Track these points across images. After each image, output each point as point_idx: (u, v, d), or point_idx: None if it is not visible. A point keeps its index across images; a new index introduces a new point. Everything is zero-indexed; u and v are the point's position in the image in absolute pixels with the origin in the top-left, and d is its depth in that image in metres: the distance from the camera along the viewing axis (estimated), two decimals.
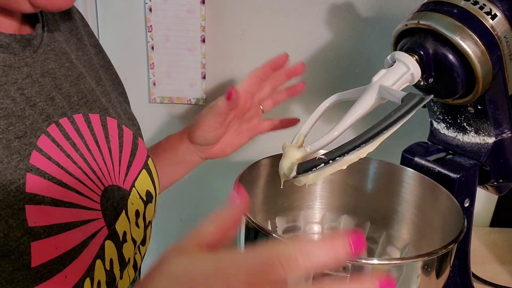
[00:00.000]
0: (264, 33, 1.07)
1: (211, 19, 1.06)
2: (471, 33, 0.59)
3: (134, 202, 0.62)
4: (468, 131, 0.72)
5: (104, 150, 0.60)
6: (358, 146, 0.50)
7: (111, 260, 0.56)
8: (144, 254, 0.69)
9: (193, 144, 0.81)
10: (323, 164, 0.50)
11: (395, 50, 0.68)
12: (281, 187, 0.60)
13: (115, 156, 0.62)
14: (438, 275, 0.52)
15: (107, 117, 0.63)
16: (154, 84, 1.09)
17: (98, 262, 0.54)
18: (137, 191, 0.64)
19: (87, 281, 0.51)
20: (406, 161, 0.74)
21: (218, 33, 1.07)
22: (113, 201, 0.58)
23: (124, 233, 0.60)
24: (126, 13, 1.05)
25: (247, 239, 0.56)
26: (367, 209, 0.74)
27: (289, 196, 0.74)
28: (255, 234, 0.54)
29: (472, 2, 0.60)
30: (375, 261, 0.49)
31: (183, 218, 1.27)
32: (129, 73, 1.10)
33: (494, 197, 1.17)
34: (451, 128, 0.74)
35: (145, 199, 0.66)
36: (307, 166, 0.52)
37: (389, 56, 0.62)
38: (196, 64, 1.07)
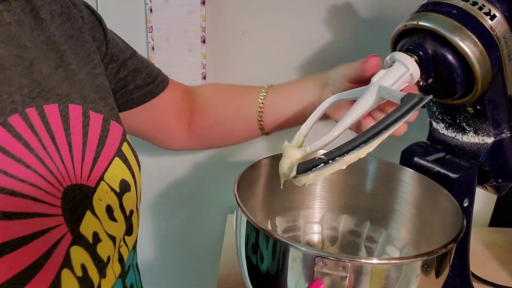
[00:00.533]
0: (264, 34, 1.07)
1: (211, 20, 1.06)
2: (470, 33, 0.59)
3: (102, 198, 0.57)
4: (467, 131, 0.72)
5: (62, 146, 0.54)
6: (358, 146, 0.50)
7: (82, 266, 0.52)
8: (134, 244, 0.66)
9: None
10: (322, 164, 0.50)
11: (394, 50, 0.68)
12: (281, 187, 0.60)
13: (77, 150, 0.56)
14: (437, 275, 0.52)
15: (68, 104, 0.57)
16: None
17: (65, 271, 0.49)
18: (108, 184, 0.59)
19: None
20: (406, 161, 0.74)
21: (219, 33, 1.07)
22: (74, 203, 0.53)
23: (95, 234, 0.55)
24: (126, 14, 1.05)
25: (248, 239, 0.56)
26: (367, 209, 0.74)
27: (288, 196, 0.74)
28: (256, 234, 0.54)
29: (471, 2, 0.61)
30: (374, 260, 0.49)
31: (183, 218, 1.27)
32: None
33: (493, 197, 1.17)
34: (450, 128, 0.74)
35: (118, 190, 0.60)
36: (307, 166, 0.52)
37: (388, 56, 0.63)
38: (196, 64, 1.08)
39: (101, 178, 0.58)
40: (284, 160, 0.57)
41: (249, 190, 0.67)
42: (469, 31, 0.59)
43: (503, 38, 0.60)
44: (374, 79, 0.60)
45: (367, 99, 0.58)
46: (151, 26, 1.04)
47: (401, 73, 0.60)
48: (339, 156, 0.50)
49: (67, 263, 0.50)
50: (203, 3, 1.03)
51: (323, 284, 0.48)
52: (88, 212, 0.55)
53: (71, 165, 0.54)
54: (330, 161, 0.50)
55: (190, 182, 1.21)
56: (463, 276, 0.74)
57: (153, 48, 1.06)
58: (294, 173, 0.53)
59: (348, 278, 0.48)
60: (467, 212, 0.71)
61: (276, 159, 0.65)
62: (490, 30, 0.60)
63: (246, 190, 0.65)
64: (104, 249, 0.56)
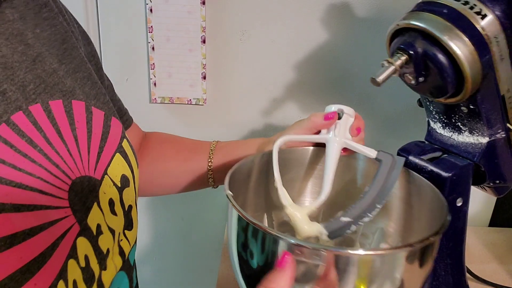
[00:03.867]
0: (264, 34, 1.08)
1: (211, 20, 1.06)
2: (460, 33, 0.59)
3: (106, 191, 0.59)
4: (463, 131, 0.72)
5: (68, 140, 0.55)
6: (377, 204, 0.60)
7: (85, 257, 0.54)
8: (135, 238, 0.68)
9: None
10: (353, 226, 0.60)
11: (389, 48, 0.68)
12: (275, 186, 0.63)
13: (83, 144, 0.57)
14: (420, 265, 0.52)
15: (72, 100, 0.58)
16: (155, 84, 1.10)
17: (71, 261, 0.51)
18: (110, 178, 0.60)
19: (61, 283, 0.49)
20: None
21: (218, 33, 1.08)
22: (82, 195, 0.54)
23: (98, 226, 0.57)
24: (126, 14, 1.06)
25: (238, 234, 0.56)
26: None
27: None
28: (253, 230, 0.54)
29: (463, 2, 0.61)
30: (350, 251, 0.49)
31: (184, 217, 1.28)
32: (130, 74, 1.11)
33: (493, 198, 1.17)
34: (447, 127, 0.75)
35: (119, 185, 0.62)
36: (339, 232, 0.60)
37: (333, 107, 0.70)
38: (196, 64, 1.08)
39: (105, 172, 0.60)
40: (299, 224, 0.63)
41: (242, 185, 0.67)
42: (459, 30, 0.59)
43: (494, 38, 0.60)
44: (331, 134, 0.68)
45: (335, 153, 0.67)
46: (151, 26, 1.05)
47: (349, 123, 0.69)
48: (364, 217, 0.60)
49: (73, 253, 0.51)
50: (203, 3, 1.03)
51: (288, 256, 0.48)
52: (95, 205, 0.57)
53: (79, 158, 0.56)
54: (359, 223, 0.60)
55: None
56: (458, 275, 0.74)
57: (153, 48, 1.07)
58: (325, 237, 0.60)
59: (321, 266, 0.48)
60: (461, 212, 0.71)
61: (268, 155, 0.68)
62: (480, 30, 0.60)
63: (240, 185, 0.65)
64: (105, 242, 0.57)
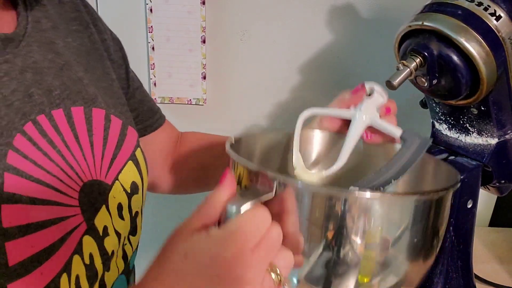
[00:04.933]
0: (264, 34, 1.07)
1: (211, 20, 1.06)
2: (476, 34, 0.59)
3: (116, 196, 0.62)
4: (471, 132, 0.72)
5: (84, 145, 0.59)
6: (389, 182, 0.57)
7: (90, 255, 0.57)
8: (137, 244, 0.70)
9: None
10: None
11: (398, 51, 0.68)
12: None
13: (98, 150, 0.61)
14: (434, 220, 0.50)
15: (92, 108, 0.62)
16: (155, 84, 1.09)
17: (76, 257, 0.54)
18: (121, 184, 0.63)
19: (64, 276, 0.52)
20: None
21: (219, 33, 1.07)
22: (92, 196, 0.58)
23: (105, 227, 0.59)
24: (126, 14, 1.05)
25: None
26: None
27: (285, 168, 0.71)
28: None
29: (477, 3, 0.60)
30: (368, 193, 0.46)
31: (183, 216, 1.27)
32: None
33: (493, 197, 1.17)
34: (453, 129, 0.74)
35: (129, 191, 0.65)
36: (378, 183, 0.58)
37: (366, 85, 0.65)
38: (196, 64, 1.07)
39: (116, 178, 0.63)
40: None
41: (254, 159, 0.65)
42: (474, 31, 0.59)
43: (509, 38, 0.60)
44: (358, 109, 0.63)
45: (358, 127, 0.63)
46: (151, 26, 1.04)
47: (380, 102, 0.63)
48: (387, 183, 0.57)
49: (79, 250, 0.55)
50: (203, 3, 1.02)
51: (228, 172, 0.47)
52: (104, 207, 0.59)
53: (92, 162, 0.59)
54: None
55: None
56: (467, 277, 0.74)
57: (153, 48, 1.06)
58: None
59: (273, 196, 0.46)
60: (471, 213, 0.71)
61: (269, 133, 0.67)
62: (495, 31, 0.60)
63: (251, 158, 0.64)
64: (111, 243, 0.60)
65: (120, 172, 0.63)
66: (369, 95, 0.64)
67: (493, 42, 0.59)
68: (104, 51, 0.71)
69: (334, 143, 0.68)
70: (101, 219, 0.59)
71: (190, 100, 1.11)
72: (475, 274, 0.95)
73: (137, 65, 1.11)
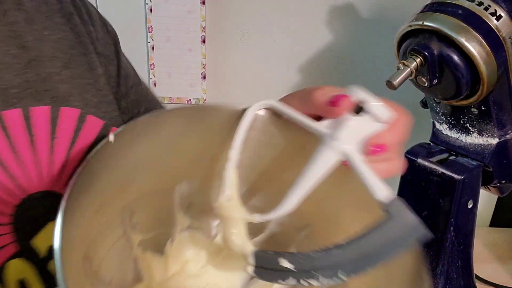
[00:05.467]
0: (264, 34, 1.07)
1: (211, 20, 1.05)
2: (476, 34, 0.59)
3: None
4: (471, 132, 0.72)
5: (40, 150, 0.51)
6: (337, 273, 0.37)
7: (21, 282, 0.49)
8: None
9: None
10: (291, 280, 0.39)
11: (398, 51, 0.68)
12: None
13: (58, 155, 0.52)
14: None
15: (61, 108, 0.54)
16: (155, 84, 1.09)
17: None
18: None
19: None
20: (409, 162, 0.74)
21: (218, 33, 1.07)
22: (36, 211, 0.49)
23: (51, 248, 0.50)
24: (126, 14, 1.05)
25: None
26: None
27: None
28: None
29: (477, 3, 0.60)
30: None
31: None
32: None
33: (493, 197, 1.17)
34: (454, 129, 0.74)
35: None
36: (268, 276, 0.42)
37: (356, 94, 0.42)
38: (196, 64, 1.07)
39: None
40: (228, 229, 0.44)
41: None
42: (474, 31, 0.59)
43: (509, 38, 0.60)
44: (332, 133, 0.41)
45: (323, 164, 0.41)
46: (151, 26, 1.04)
47: (371, 131, 0.41)
48: (313, 277, 0.38)
49: None
50: (203, 3, 1.02)
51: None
52: (50, 224, 0.51)
53: (48, 170, 0.51)
54: (302, 281, 0.38)
55: None
56: (468, 277, 0.74)
57: (153, 48, 1.06)
58: (249, 268, 0.42)
59: None
60: (471, 214, 0.71)
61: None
62: (496, 31, 0.59)
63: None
64: None
65: None
66: (357, 112, 0.41)
67: (493, 42, 0.59)
68: (90, 44, 0.62)
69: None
70: (44, 238, 0.50)
71: (190, 100, 1.10)
72: (475, 274, 0.95)
73: (137, 65, 1.10)
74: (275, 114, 0.46)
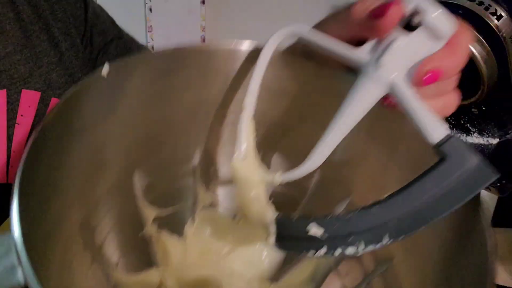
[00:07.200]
0: (264, 34, 1.07)
1: (211, 19, 1.05)
2: (477, 34, 0.59)
3: None
4: (472, 132, 0.72)
5: None
6: (381, 238, 0.30)
7: None
8: None
9: None
10: (322, 250, 0.32)
11: None
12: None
13: (18, 142, 0.48)
14: None
15: (22, 89, 0.50)
16: None
17: None
18: None
19: None
20: None
21: (218, 33, 1.07)
22: None
23: None
24: (126, 13, 1.05)
25: None
26: None
27: None
28: None
29: (478, 2, 0.60)
30: None
31: None
32: None
33: (494, 197, 1.17)
34: (454, 129, 0.74)
35: None
36: (292, 246, 0.35)
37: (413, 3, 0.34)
38: None
39: None
40: (245, 190, 0.37)
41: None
42: (475, 31, 0.59)
43: (510, 38, 0.60)
44: (374, 58, 0.33)
45: (366, 95, 0.33)
46: (151, 26, 1.04)
47: (426, 53, 0.33)
48: (349, 245, 0.31)
49: None
50: (203, 2, 1.02)
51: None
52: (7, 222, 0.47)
53: (3, 161, 0.46)
54: (334, 251, 0.31)
55: None
56: None
57: (152, 48, 1.06)
58: (271, 239, 0.36)
59: None
60: None
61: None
62: (496, 30, 0.59)
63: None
64: None
65: None
66: (409, 25, 0.33)
67: (494, 42, 0.59)
68: (50, 18, 0.57)
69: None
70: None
71: None
72: None
73: None
74: (288, 52, 0.40)
